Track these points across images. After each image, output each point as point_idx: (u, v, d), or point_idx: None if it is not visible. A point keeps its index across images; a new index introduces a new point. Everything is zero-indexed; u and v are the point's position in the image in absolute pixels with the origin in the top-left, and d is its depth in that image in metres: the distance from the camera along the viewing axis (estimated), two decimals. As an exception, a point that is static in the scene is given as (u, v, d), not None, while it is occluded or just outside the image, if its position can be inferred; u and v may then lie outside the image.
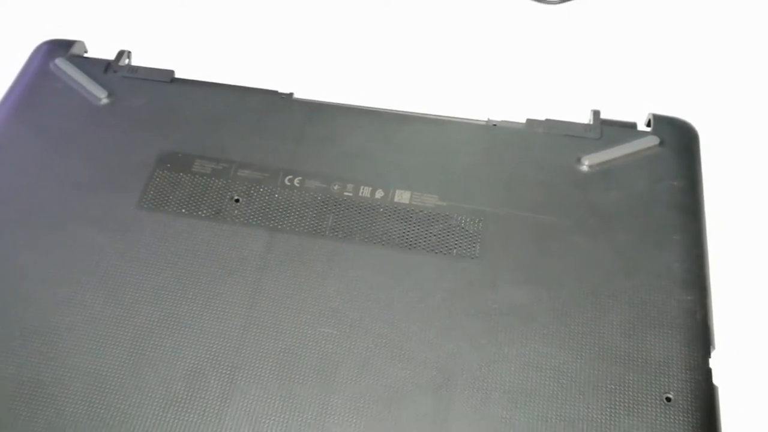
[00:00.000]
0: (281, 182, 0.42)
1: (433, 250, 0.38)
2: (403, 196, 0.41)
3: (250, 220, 0.40)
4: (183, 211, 0.40)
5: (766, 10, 0.55)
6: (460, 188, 0.42)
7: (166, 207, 0.41)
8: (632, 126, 0.45)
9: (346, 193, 0.42)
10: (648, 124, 0.45)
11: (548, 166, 0.43)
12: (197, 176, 0.42)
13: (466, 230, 0.39)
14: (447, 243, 0.39)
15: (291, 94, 0.47)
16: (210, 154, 0.43)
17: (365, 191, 0.41)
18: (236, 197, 0.41)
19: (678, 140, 0.44)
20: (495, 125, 0.45)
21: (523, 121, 0.45)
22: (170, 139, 0.44)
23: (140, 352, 0.35)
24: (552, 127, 0.44)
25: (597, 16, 0.56)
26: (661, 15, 0.56)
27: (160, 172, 0.42)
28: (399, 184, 0.42)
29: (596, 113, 0.45)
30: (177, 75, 0.48)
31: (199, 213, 0.40)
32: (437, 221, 0.40)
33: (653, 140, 0.43)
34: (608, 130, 0.45)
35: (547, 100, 0.51)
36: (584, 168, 0.42)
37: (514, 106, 0.50)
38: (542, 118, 0.45)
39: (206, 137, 0.45)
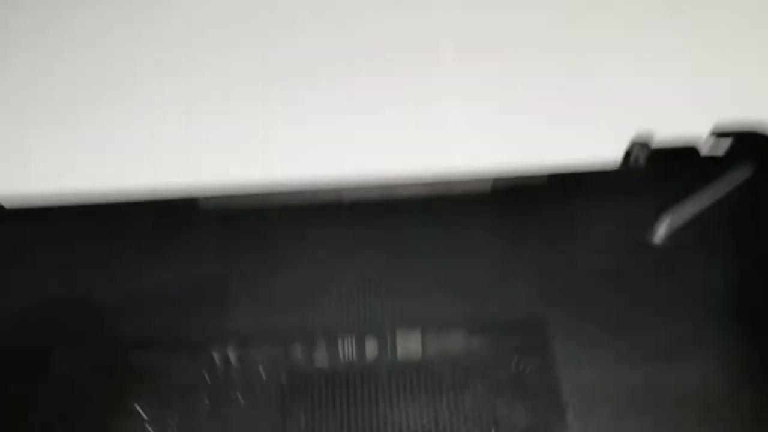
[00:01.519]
0: (208, 362, 0.26)
1: None
2: (411, 342, 0.26)
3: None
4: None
5: None
6: (498, 301, 0.27)
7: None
8: (691, 152, 0.31)
9: (317, 362, 0.26)
10: (717, 145, 0.31)
11: (612, 244, 0.28)
12: (66, 382, 0.25)
13: (529, 381, 0.25)
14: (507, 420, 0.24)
15: (195, 201, 0.29)
16: (82, 335, 0.27)
17: (346, 347, 0.26)
18: (139, 407, 0.24)
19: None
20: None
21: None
22: (10, 322, 0.27)
23: None
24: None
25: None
26: None
27: (3, 384, 0.25)
28: (397, 318, 0.27)
29: (642, 146, 0.29)
30: (8, 205, 0.31)
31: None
32: (477, 379, 0.25)
33: (744, 172, 0.29)
34: (664, 170, 0.30)
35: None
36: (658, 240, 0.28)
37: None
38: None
39: (69, 306, 0.27)
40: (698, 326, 0.26)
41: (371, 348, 0.26)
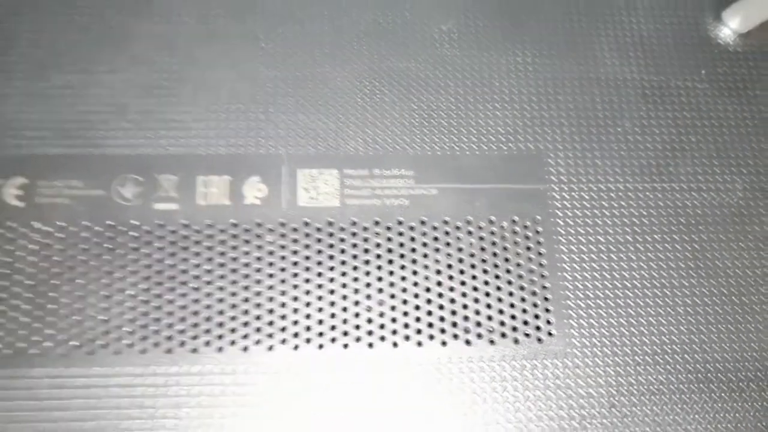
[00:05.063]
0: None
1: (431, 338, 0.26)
2: (321, 186, 0.27)
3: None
4: None
5: None
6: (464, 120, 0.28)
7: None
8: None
9: (159, 206, 0.26)
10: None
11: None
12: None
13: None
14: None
15: None
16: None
17: (213, 186, 0.27)
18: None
19: None
20: None
21: None
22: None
23: None
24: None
25: None
26: None
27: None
28: (302, 148, 0.27)
29: None
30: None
31: None
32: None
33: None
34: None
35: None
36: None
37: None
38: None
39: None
40: None
41: (254, 189, 0.27)
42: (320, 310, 0.25)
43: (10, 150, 0.26)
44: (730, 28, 0.30)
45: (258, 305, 0.25)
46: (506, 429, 0.24)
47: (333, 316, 0.25)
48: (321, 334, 0.25)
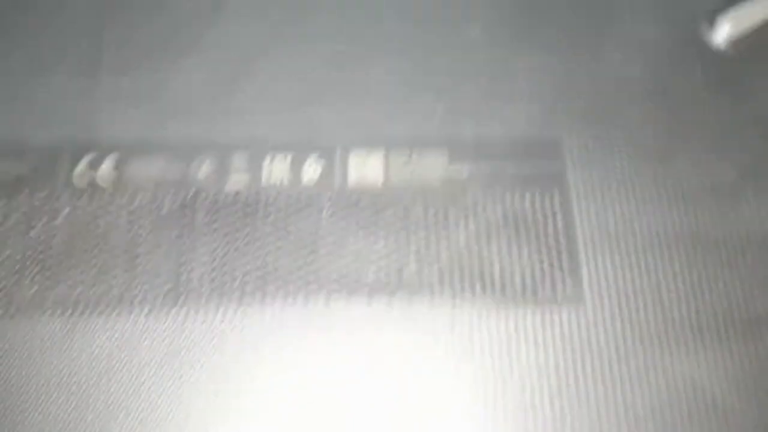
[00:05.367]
0: (68, 178, 0.30)
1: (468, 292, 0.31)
2: (368, 167, 0.31)
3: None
4: None
5: None
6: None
7: None
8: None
9: (231, 184, 0.31)
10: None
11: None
12: None
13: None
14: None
15: None
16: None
17: (276, 167, 0.31)
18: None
19: None
20: None
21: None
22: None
23: None
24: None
25: None
26: None
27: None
28: (353, 134, 0.32)
29: None
30: None
31: None
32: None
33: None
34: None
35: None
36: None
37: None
38: None
39: None
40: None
41: (310, 169, 0.31)
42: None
43: (102, 136, 0.31)
44: (722, 33, 0.35)
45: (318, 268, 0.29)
46: (528, 373, 0.28)
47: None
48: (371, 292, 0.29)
